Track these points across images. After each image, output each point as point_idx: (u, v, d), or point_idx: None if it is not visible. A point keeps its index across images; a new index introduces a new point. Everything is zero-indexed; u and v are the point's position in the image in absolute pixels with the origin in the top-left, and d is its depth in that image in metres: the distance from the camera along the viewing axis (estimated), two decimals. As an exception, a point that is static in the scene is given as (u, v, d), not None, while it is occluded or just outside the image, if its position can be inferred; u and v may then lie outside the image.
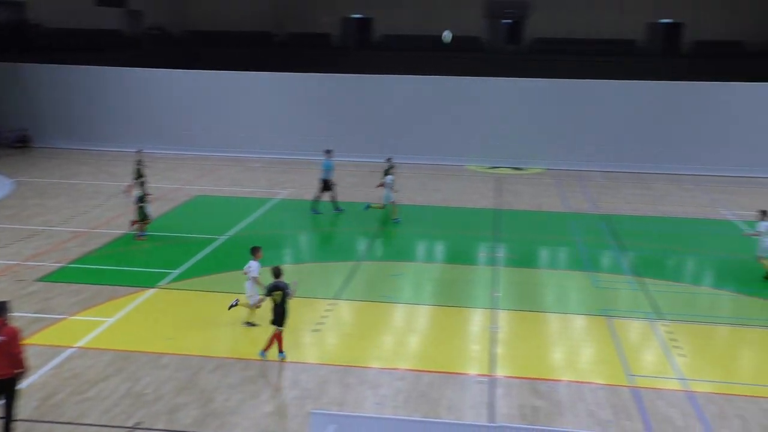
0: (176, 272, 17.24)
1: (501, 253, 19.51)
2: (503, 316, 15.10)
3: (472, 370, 12.76)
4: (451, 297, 16.36)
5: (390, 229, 21.62)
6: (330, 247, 20.64)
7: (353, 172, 29.00)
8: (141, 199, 19.78)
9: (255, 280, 14.04)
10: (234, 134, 33.67)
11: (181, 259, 18.20)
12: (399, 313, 15.36)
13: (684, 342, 13.94)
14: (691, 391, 12.04)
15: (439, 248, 20.54)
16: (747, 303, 16.38)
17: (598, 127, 31.65)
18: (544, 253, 20.06)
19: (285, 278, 12.83)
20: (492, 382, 12.29)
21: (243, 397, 11.58)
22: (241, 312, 14.40)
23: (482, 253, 19.61)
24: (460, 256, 19.53)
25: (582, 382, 12.31)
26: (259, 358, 12.85)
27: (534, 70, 35.48)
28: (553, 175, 30.46)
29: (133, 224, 20.01)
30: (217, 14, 48.77)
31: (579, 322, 15.01)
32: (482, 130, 32.18)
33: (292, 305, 13.01)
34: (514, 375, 12.55)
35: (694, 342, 14.03)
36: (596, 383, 12.28)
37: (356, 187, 26.49)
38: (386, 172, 23.17)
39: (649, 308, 15.65)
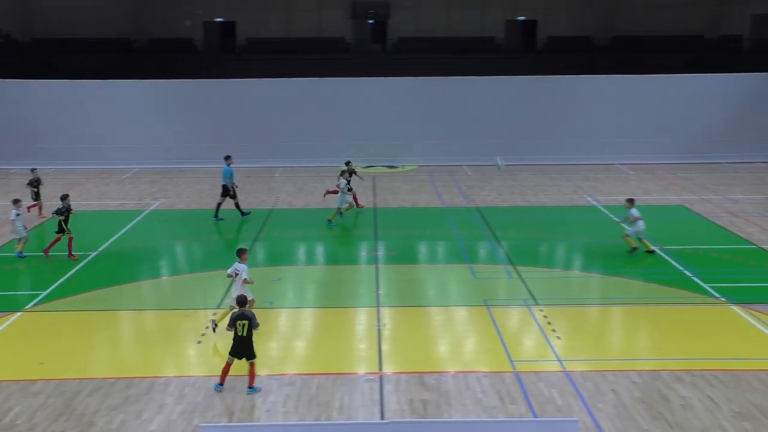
0: (44, 293, 16.35)
1: (381, 251, 19.74)
2: (388, 313, 15.29)
3: (361, 369, 12.84)
4: (334, 298, 16.40)
5: (270, 233, 21.41)
6: (207, 256, 20.17)
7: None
8: (61, 213, 18.98)
9: (246, 281, 13.68)
10: (98, 146, 32.28)
11: (49, 279, 17.27)
12: (283, 318, 15.24)
13: (559, 325, 14.61)
14: (569, 371, 12.64)
15: (320, 250, 20.54)
16: (614, 283, 17.36)
17: (466, 122, 32.58)
18: (423, 249, 20.46)
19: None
20: (381, 379, 12.43)
21: (126, 417, 11.14)
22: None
23: (363, 253, 19.76)
24: (341, 256, 19.63)
25: (468, 372, 12.65)
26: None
27: (400, 69, 36.07)
28: (427, 171, 31.12)
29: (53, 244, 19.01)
30: (71, 21, 46.55)
31: (461, 313, 15.42)
32: (355, 131, 32.42)
33: (173, 318, 12.64)
34: (402, 370, 12.73)
35: (568, 324, 14.72)
36: (481, 371, 12.65)
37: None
38: (342, 175, 23.00)
39: (526, 295, 16.29)
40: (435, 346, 13.84)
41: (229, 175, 22.73)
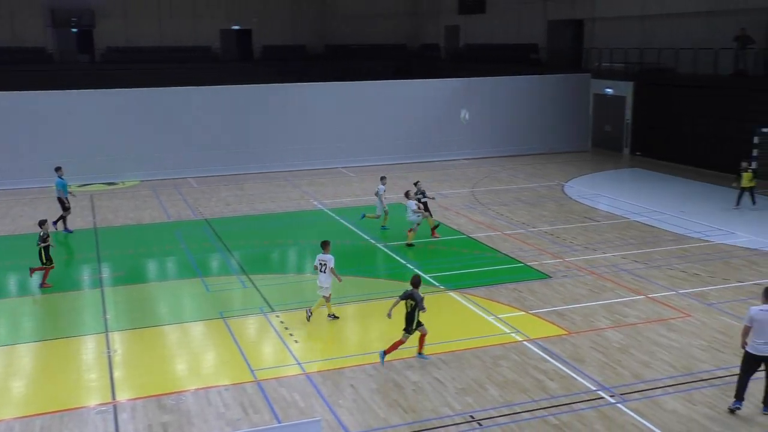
0: None
1: (106, 273, 18.62)
2: (118, 338, 14.47)
3: (93, 401, 12.02)
4: (56, 329, 15.16)
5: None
6: None
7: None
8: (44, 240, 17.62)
9: (332, 271, 14.72)
10: None
11: None
12: (-3, 358, 13.75)
13: (296, 329, 14.87)
14: (308, 373, 12.92)
15: (34, 279, 18.78)
16: (346, 282, 17.99)
17: (187, 133, 31.79)
18: (152, 266, 19.65)
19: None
20: (115, 408, 11.73)
21: None
22: None
23: (86, 277, 18.49)
24: (61, 283, 18.09)
25: (208, 387, 12.40)
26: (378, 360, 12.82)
27: (111, 80, 34.28)
28: (150, 185, 29.91)
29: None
30: None
31: (197, 328, 15.06)
32: (67, 146, 30.05)
33: None
34: (137, 396, 12.12)
35: (305, 327, 15.03)
36: (222, 385, 12.47)
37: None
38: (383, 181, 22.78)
39: (261, 303, 16.34)
40: (172, 365, 13.37)
41: (61, 187, 22.25)
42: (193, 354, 13.83)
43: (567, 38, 44.08)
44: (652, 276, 17.79)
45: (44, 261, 17.77)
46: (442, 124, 35.08)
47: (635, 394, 11.96)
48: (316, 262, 15.07)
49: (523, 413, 11.44)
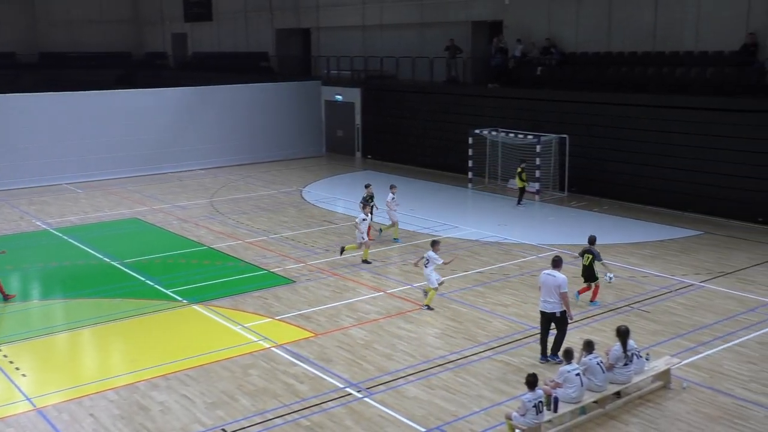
0: None
1: None
2: None
3: None
4: None
5: None
6: None
7: None
8: None
9: (437, 265, 16.01)
10: None
11: None
12: None
13: (23, 361, 13.58)
14: (41, 408, 11.85)
15: None
16: (80, 305, 16.84)
17: None
18: None
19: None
20: None
21: None
22: None
23: None
24: None
25: None
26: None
27: None
28: None
29: None
30: None
31: None
32: None
33: None
34: None
35: (34, 358, 13.78)
36: (-64, 435, 11.02)
37: None
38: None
39: (-21, 338, 14.68)
40: None
41: None
42: None
43: (295, 46, 45.08)
44: (390, 272, 18.76)
45: None
46: (176, 134, 34.12)
47: (381, 386, 12.52)
48: (422, 260, 16.25)
49: (275, 419, 11.47)
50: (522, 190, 25.73)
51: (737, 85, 23.74)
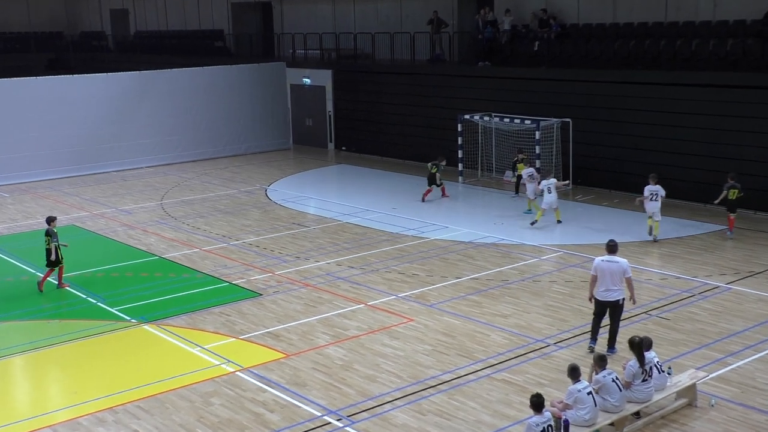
0: None
1: None
2: None
3: None
4: None
5: None
6: None
7: None
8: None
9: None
10: None
11: None
12: None
13: (-54, 396, 13.38)
14: (-31, 450, 11.70)
15: None
16: (7, 328, 16.65)
17: None
18: None
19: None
20: None
21: None
22: None
23: None
24: None
25: None
26: None
27: None
28: None
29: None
30: None
31: None
32: None
33: None
34: None
35: (-42, 392, 13.58)
36: None
37: None
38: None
39: None
40: None
41: None
42: None
43: (255, 23, 44.93)
44: (371, 281, 18.73)
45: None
46: (117, 127, 33.84)
47: (363, 413, 12.48)
48: (647, 193, 20.48)
49: (243, 455, 11.40)
50: (520, 178, 25.84)
51: (762, 58, 23.98)
